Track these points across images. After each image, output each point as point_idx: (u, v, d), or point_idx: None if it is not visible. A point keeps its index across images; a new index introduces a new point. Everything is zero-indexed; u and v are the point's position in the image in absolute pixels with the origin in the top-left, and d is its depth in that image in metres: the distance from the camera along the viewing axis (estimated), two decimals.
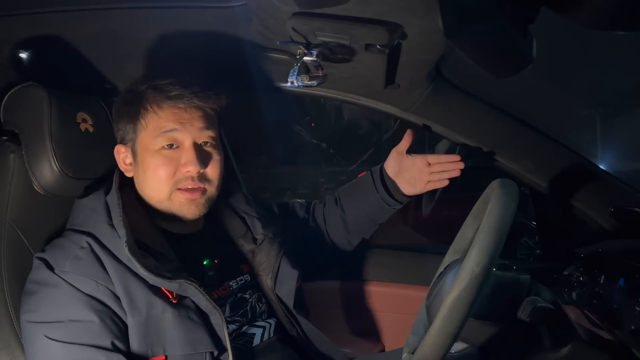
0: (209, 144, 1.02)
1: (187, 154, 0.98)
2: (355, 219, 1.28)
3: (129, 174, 1.04)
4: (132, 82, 1.03)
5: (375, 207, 1.24)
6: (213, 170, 1.02)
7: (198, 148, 0.99)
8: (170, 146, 0.98)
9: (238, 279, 1.09)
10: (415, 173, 1.21)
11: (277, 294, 1.12)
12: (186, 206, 1.00)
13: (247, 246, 1.15)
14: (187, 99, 0.98)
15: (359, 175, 1.30)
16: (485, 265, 0.68)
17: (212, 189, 1.03)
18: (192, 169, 0.97)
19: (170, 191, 0.98)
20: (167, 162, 0.97)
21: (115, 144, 1.05)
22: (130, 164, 1.03)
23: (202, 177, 1.00)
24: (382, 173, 1.24)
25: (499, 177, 0.82)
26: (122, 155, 1.04)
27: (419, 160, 1.20)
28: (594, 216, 1.25)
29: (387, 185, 1.23)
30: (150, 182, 0.99)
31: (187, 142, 0.98)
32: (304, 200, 1.39)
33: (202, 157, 0.99)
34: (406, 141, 1.22)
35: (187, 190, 0.99)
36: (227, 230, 1.17)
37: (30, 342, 0.88)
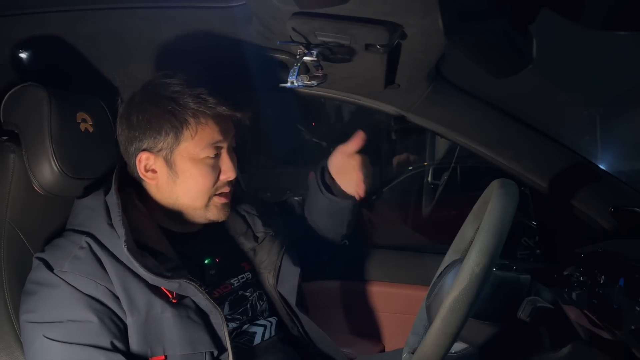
0: (233, 149, 1.06)
1: (227, 162, 1.02)
2: (319, 218, 1.28)
3: (151, 181, 1.01)
4: (158, 88, 0.99)
5: (327, 205, 1.23)
6: (237, 173, 1.06)
7: (231, 154, 1.04)
8: (215, 156, 1.00)
9: (239, 277, 1.09)
10: (356, 177, 1.19)
11: (279, 292, 1.12)
12: (222, 210, 1.04)
13: (248, 244, 1.15)
14: (228, 110, 1.00)
15: (309, 177, 1.28)
16: (486, 265, 0.68)
17: (232, 190, 1.08)
18: (232, 174, 1.02)
19: (210, 197, 1.02)
20: (211, 171, 1.00)
21: (116, 143, 1.05)
22: (153, 170, 1.00)
23: (232, 182, 1.05)
24: (324, 172, 1.23)
25: (499, 177, 0.82)
26: (144, 163, 1.00)
27: (363, 164, 1.18)
28: (594, 216, 1.24)
29: (329, 185, 1.22)
30: (192, 190, 1.00)
31: (225, 151, 1.03)
32: (301, 198, 1.39)
33: (234, 163, 1.04)
34: (354, 143, 1.17)
35: (224, 195, 1.03)
36: (227, 228, 1.17)
37: (29, 342, 0.87)
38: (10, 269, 0.95)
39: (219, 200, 1.03)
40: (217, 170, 1.01)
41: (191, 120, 0.97)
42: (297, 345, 1.12)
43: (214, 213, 1.03)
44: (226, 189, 1.04)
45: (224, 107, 0.99)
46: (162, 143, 0.98)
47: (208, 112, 0.97)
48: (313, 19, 0.81)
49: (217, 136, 0.99)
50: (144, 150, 0.99)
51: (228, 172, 1.02)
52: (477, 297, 0.67)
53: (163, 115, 0.97)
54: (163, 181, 1.00)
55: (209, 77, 1.06)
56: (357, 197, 1.22)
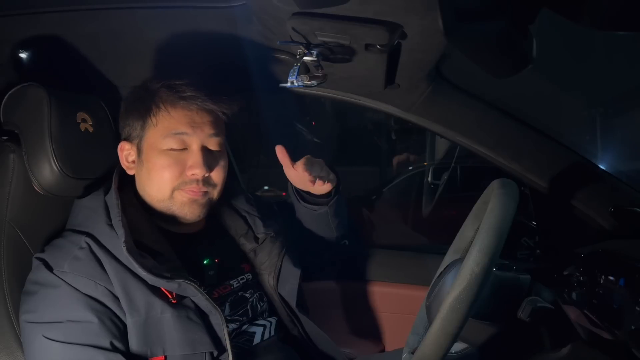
0: (216, 149, 1.03)
1: (195, 157, 0.98)
2: (309, 225, 1.27)
3: (130, 172, 1.03)
4: (145, 80, 1.02)
5: (308, 213, 1.22)
6: (218, 175, 1.03)
7: (205, 152, 1.00)
8: (180, 149, 0.98)
9: (239, 278, 1.09)
10: (306, 179, 1.15)
11: (279, 293, 1.12)
12: (187, 206, 1.00)
13: (248, 245, 1.15)
14: (201, 102, 0.98)
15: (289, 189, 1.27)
16: (486, 265, 0.68)
17: (214, 193, 1.04)
18: (199, 172, 0.98)
19: (172, 191, 0.99)
20: (173, 163, 0.98)
21: (116, 143, 1.05)
22: (133, 161, 1.03)
23: (207, 182, 1.01)
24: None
25: (499, 177, 0.82)
26: (125, 153, 1.03)
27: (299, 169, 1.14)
28: (594, 216, 1.24)
29: (302, 194, 1.21)
30: (154, 181, 0.99)
31: (195, 146, 0.99)
32: None
33: (209, 161, 1.00)
34: (282, 158, 1.13)
35: (190, 192, 1.00)
36: (228, 229, 1.17)
37: (29, 343, 0.87)
38: (10, 269, 0.95)
39: (182, 196, 0.99)
40: (181, 164, 0.98)
41: (154, 108, 0.98)
42: (297, 345, 1.12)
43: (178, 208, 1.00)
44: (193, 187, 0.99)
45: (198, 100, 0.97)
46: (135, 131, 1.00)
47: (177, 101, 0.97)
48: (313, 19, 0.81)
49: (182, 127, 0.97)
50: (124, 139, 1.03)
51: (194, 168, 0.97)
52: (477, 297, 0.67)
53: (134, 103, 1.00)
54: (138, 172, 1.02)
55: (205, 75, 1.06)
56: (323, 192, 1.17)
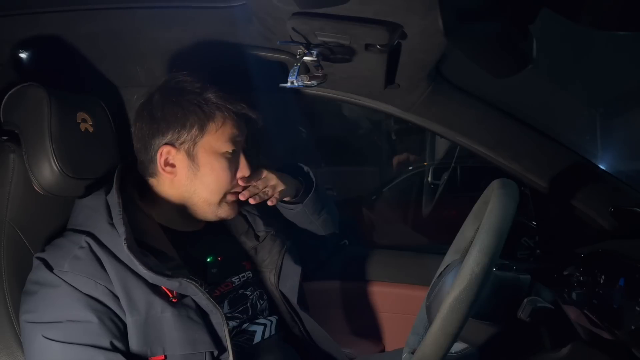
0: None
1: (243, 160, 1.05)
2: (297, 223, 1.26)
3: (168, 175, 1.02)
4: (182, 83, 1.01)
5: (288, 212, 1.22)
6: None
7: (244, 154, 1.06)
8: (233, 152, 1.02)
9: (240, 276, 1.09)
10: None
11: (280, 291, 1.12)
12: (233, 208, 1.07)
13: (249, 243, 1.16)
14: (244, 107, 1.03)
15: None
16: (486, 265, 0.68)
17: None
18: (247, 172, 1.05)
19: (225, 193, 1.03)
20: (230, 166, 1.03)
21: (116, 143, 1.05)
22: (172, 165, 1.01)
23: (244, 180, 1.06)
24: None
25: (499, 177, 0.82)
26: (165, 157, 1.01)
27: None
28: (594, 216, 1.24)
29: None
30: (212, 184, 1.02)
31: (240, 149, 1.05)
32: None
33: (249, 162, 1.06)
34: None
35: (236, 193, 1.05)
36: (229, 227, 1.17)
37: (28, 342, 0.87)
38: (10, 269, 0.95)
39: (232, 198, 1.05)
40: (235, 166, 1.04)
41: (217, 113, 1.00)
42: (297, 344, 1.12)
43: (225, 210, 1.05)
44: (239, 187, 1.06)
45: (241, 106, 1.02)
46: (185, 135, 0.99)
47: (231, 107, 1.01)
48: (313, 19, 0.81)
49: (237, 132, 1.02)
50: (166, 144, 1.00)
51: (243, 169, 1.04)
52: (477, 297, 0.67)
53: (189, 108, 0.99)
54: (182, 175, 1.01)
55: (212, 74, 1.06)
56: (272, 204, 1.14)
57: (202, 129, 0.99)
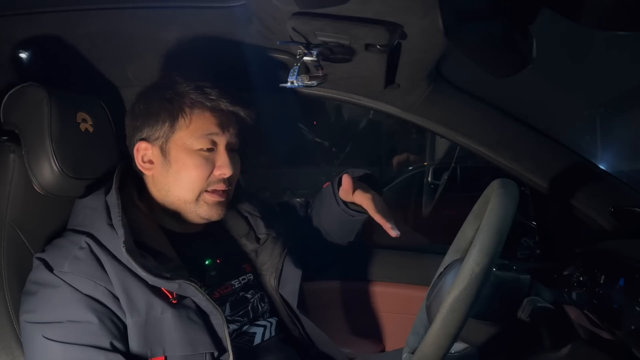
0: (235, 149, 1.05)
1: (223, 157, 1.01)
2: (330, 226, 1.26)
3: (148, 172, 1.03)
4: (165, 80, 1.02)
5: (341, 215, 1.21)
6: (236, 174, 1.05)
7: (230, 152, 1.03)
8: (209, 149, 1.00)
9: (240, 278, 1.09)
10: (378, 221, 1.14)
11: (280, 294, 1.12)
12: (214, 208, 1.03)
13: (250, 245, 1.15)
14: (229, 104, 1.00)
15: (324, 186, 1.27)
16: (486, 265, 0.68)
17: (231, 192, 1.07)
18: (227, 171, 1.01)
19: (200, 192, 1.01)
20: (204, 163, 0.99)
21: (116, 143, 1.04)
22: (150, 161, 1.02)
23: (229, 181, 1.04)
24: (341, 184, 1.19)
25: (499, 177, 0.82)
26: (142, 153, 1.02)
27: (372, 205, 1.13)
28: (594, 216, 1.24)
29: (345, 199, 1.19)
30: (183, 181, 1.00)
31: (222, 146, 1.01)
32: (303, 199, 1.39)
33: (233, 161, 1.02)
34: (345, 187, 1.14)
35: (215, 192, 1.02)
36: (229, 229, 1.17)
37: (28, 343, 0.87)
38: (10, 269, 0.95)
39: (210, 197, 1.01)
40: (211, 164, 1.00)
41: (187, 109, 0.98)
42: (297, 345, 1.12)
43: (204, 210, 1.02)
44: (220, 186, 1.02)
45: (224, 102, 1.00)
46: (159, 131, 0.99)
47: (207, 103, 0.99)
48: (313, 19, 0.81)
49: (213, 128, 0.99)
50: (143, 139, 1.01)
51: (223, 167, 1.00)
52: (477, 297, 0.67)
53: (161, 103, 0.99)
54: (158, 172, 1.01)
55: (212, 74, 1.06)
56: (393, 235, 1.14)
57: (172, 125, 0.99)
